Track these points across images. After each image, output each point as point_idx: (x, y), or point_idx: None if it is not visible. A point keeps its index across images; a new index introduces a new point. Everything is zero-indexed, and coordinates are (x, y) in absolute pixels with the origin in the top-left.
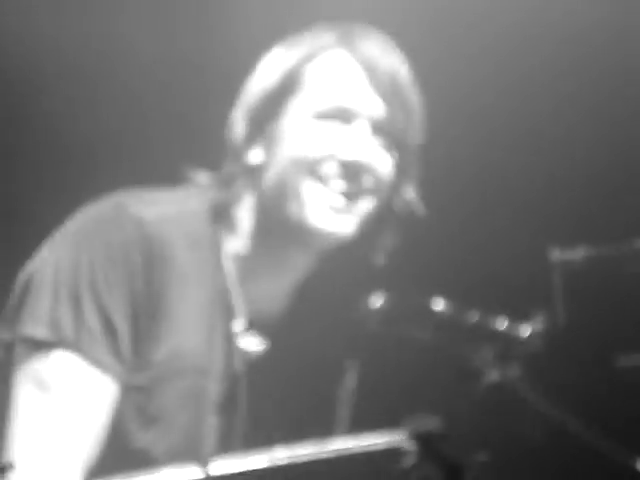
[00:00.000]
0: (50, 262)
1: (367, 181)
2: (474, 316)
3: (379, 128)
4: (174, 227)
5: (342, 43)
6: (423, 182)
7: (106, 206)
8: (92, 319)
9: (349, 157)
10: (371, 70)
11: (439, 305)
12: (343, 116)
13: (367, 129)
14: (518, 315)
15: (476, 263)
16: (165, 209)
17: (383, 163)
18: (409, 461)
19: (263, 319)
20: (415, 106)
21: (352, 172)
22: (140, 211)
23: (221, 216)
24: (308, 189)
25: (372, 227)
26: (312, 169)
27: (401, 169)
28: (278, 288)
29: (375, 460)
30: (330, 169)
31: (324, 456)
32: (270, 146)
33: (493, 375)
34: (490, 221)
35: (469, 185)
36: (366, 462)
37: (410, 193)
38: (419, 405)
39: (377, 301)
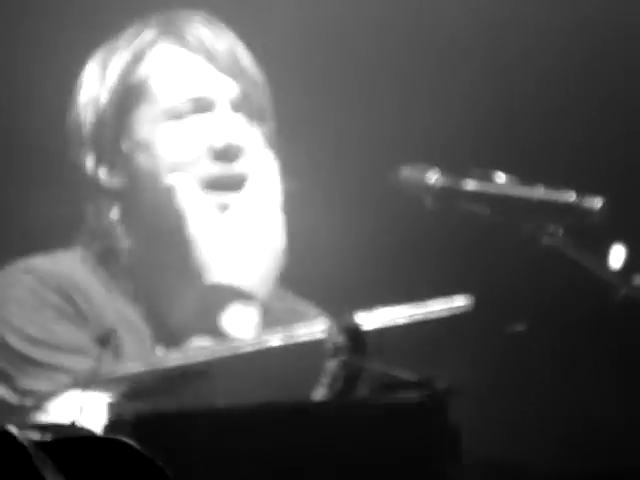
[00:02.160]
0: None
1: (246, 161)
2: (539, 189)
3: (238, 106)
4: (67, 266)
5: (167, 35)
6: None
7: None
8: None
9: (222, 143)
10: (207, 53)
11: (500, 178)
12: (201, 107)
13: (228, 111)
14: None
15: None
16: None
17: (254, 140)
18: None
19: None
20: (260, 78)
21: (230, 156)
22: (31, 261)
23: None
24: (194, 191)
25: None
26: (191, 169)
27: (269, 143)
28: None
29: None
30: (209, 163)
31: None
32: (129, 164)
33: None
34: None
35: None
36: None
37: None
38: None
39: (432, 176)
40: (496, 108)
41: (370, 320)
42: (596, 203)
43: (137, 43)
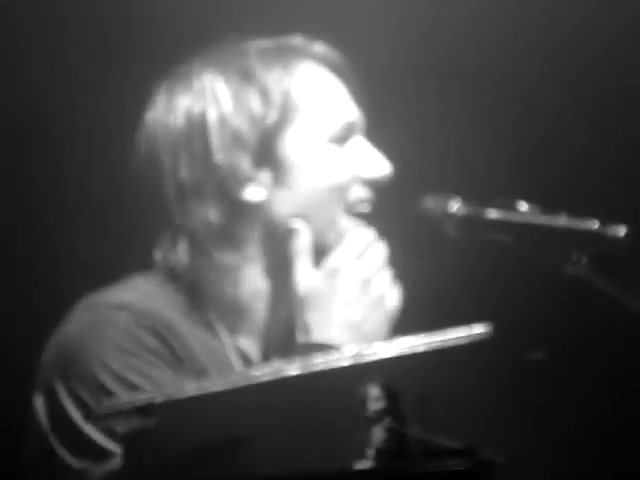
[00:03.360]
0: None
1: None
2: (562, 218)
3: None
4: (157, 302)
5: (307, 54)
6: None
7: (88, 311)
8: None
9: (372, 175)
10: (343, 75)
11: (523, 207)
12: (351, 131)
13: (363, 138)
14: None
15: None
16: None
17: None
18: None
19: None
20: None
21: (375, 188)
22: (121, 297)
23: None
24: (341, 217)
25: None
26: (341, 195)
27: None
28: None
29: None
30: (357, 191)
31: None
32: (276, 178)
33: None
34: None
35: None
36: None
37: None
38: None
39: (454, 205)
40: (519, 137)
41: (390, 349)
42: (620, 231)
43: (283, 60)
